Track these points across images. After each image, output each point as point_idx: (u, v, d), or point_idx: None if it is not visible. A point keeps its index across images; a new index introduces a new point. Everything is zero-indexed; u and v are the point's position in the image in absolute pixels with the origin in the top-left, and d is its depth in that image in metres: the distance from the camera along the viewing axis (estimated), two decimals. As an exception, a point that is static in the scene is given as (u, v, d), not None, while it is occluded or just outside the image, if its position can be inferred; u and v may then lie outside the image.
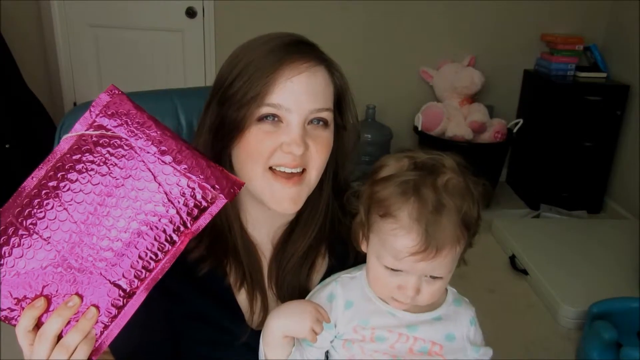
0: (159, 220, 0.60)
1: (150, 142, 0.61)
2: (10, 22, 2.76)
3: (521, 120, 3.07)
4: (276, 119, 0.74)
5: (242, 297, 0.82)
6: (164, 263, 0.60)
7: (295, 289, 0.84)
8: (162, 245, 0.60)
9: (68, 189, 0.60)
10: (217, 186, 0.61)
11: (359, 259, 0.85)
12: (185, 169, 0.60)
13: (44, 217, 0.59)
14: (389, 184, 0.72)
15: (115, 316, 0.60)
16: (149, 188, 0.60)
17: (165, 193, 0.60)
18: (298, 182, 0.76)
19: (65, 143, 0.61)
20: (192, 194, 0.61)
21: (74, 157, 0.60)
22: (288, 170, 0.75)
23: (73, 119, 0.96)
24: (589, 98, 2.96)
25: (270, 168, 0.75)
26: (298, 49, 0.75)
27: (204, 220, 0.61)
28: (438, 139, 2.97)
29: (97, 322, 0.60)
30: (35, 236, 0.59)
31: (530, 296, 2.37)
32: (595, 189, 3.15)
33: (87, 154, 0.60)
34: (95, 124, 0.61)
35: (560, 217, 3.06)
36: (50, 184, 0.60)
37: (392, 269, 0.72)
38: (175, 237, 0.60)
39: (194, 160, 0.61)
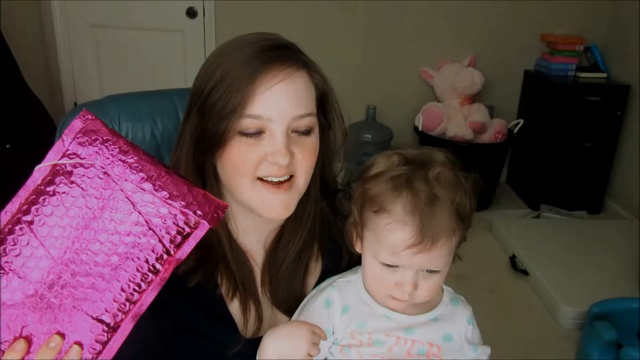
0: (141, 250, 0.57)
1: (128, 170, 0.58)
2: (11, 22, 2.76)
3: (521, 121, 3.07)
4: (258, 130, 0.72)
5: (234, 308, 0.81)
6: (148, 293, 0.58)
7: (290, 294, 0.83)
8: (145, 276, 0.58)
9: (44, 223, 0.57)
10: (199, 212, 0.58)
11: (353, 260, 0.85)
12: (165, 196, 0.58)
13: (19, 254, 0.56)
14: (381, 180, 0.72)
15: (100, 352, 0.58)
16: (129, 218, 0.57)
17: (146, 222, 0.57)
18: (287, 188, 0.75)
19: (38, 174, 0.58)
20: (174, 221, 0.58)
21: (48, 189, 0.57)
22: (275, 180, 0.74)
23: (73, 119, 0.96)
24: (589, 98, 2.95)
25: (258, 178, 0.75)
26: (275, 55, 0.73)
27: (188, 247, 0.59)
28: (438, 139, 2.96)
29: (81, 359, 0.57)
30: (11, 274, 0.56)
31: (531, 296, 2.37)
32: (595, 189, 3.15)
33: (62, 185, 0.57)
34: (69, 152, 0.58)
35: (560, 218, 3.06)
36: (25, 218, 0.57)
37: (388, 266, 0.72)
38: (158, 266, 0.58)
39: (175, 186, 0.58)
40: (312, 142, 0.77)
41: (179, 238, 0.58)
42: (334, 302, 0.77)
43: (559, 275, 2.37)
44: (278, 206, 0.75)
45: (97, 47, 3.29)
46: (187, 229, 0.58)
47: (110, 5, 3.17)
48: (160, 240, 0.57)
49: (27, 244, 0.56)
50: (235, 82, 0.71)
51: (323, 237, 0.87)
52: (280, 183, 0.74)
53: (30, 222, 0.57)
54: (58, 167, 0.58)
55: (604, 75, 3.08)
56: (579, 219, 3.06)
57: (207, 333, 0.79)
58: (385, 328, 0.75)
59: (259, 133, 0.73)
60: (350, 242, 0.79)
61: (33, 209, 0.57)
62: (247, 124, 0.72)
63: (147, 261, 0.57)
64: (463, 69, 3.13)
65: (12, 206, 0.57)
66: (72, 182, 0.57)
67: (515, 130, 3.06)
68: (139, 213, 0.57)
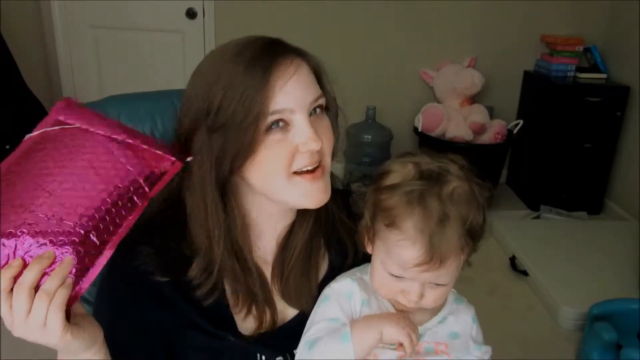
0: (122, 185, 0.65)
1: (105, 127, 0.67)
2: (10, 22, 2.76)
3: (521, 121, 3.07)
4: (282, 123, 0.73)
5: (248, 324, 0.81)
6: (129, 222, 0.66)
7: (301, 287, 0.84)
8: (127, 206, 0.66)
9: (36, 169, 0.65)
10: (168, 155, 0.68)
11: (358, 257, 0.86)
12: (139, 142, 0.67)
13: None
14: (395, 193, 0.72)
15: (87, 266, 0.63)
16: (110, 160, 0.66)
17: (124, 164, 0.66)
18: (322, 174, 0.77)
19: (29, 140, 0.68)
20: (147, 163, 0.67)
21: (39, 146, 0.67)
22: (310, 168, 0.75)
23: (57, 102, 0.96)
24: (588, 99, 2.96)
25: (294, 172, 0.75)
26: (277, 51, 0.74)
27: (159, 186, 0.68)
28: (438, 140, 2.97)
29: (71, 271, 0.62)
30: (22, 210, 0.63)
31: (531, 297, 2.38)
32: (595, 190, 3.15)
33: (50, 143, 0.66)
34: (54, 121, 0.68)
35: (560, 218, 3.06)
36: (19, 169, 0.65)
37: (396, 276, 0.73)
38: (136, 200, 0.66)
39: (144, 137, 0.69)
40: (327, 120, 0.79)
41: (153, 178, 0.67)
42: (354, 294, 0.78)
43: (559, 276, 2.37)
44: (319, 193, 0.77)
45: (97, 48, 3.29)
46: (158, 171, 0.68)
47: (110, 6, 3.17)
48: (136, 179, 0.66)
49: (24, 186, 0.64)
50: (249, 86, 0.71)
51: (327, 227, 0.88)
52: (314, 170, 0.75)
53: (26, 171, 0.65)
54: (46, 134, 0.67)
55: (604, 76, 3.09)
56: (578, 219, 3.07)
57: (213, 333, 0.79)
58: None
59: (284, 126, 0.73)
60: (361, 242, 0.80)
61: (27, 161, 0.66)
62: (271, 120, 0.72)
63: (127, 194, 0.65)
64: (463, 70, 3.13)
65: (6, 163, 0.67)
66: (59, 141, 0.66)
67: (515, 131, 3.06)
68: (117, 158, 0.66)
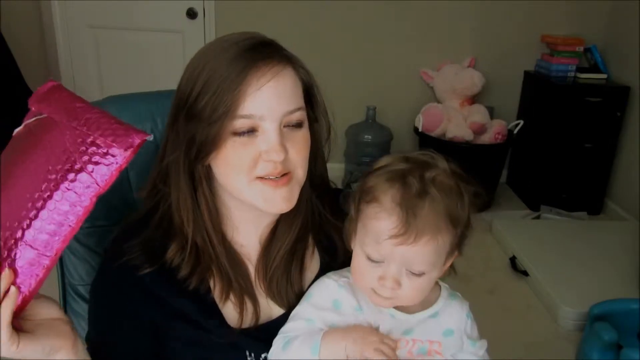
0: (57, 172, 0.62)
1: (67, 115, 0.64)
2: (11, 22, 2.76)
3: (521, 122, 3.07)
4: (251, 129, 0.73)
5: (228, 309, 0.81)
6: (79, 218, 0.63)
7: (287, 286, 0.84)
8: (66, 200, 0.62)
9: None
10: (110, 140, 0.63)
11: (349, 256, 0.84)
12: (85, 129, 0.63)
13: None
14: (379, 173, 0.73)
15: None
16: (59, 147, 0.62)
17: (68, 149, 0.62)
18: (287, 182, 0.76)
19: (16, 135, 0.68)
20: (86, 147, 0.62)
21: (15, 142, 0.67)
22: (272, 177, 0.75)
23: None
24: (589, 99, 2.96)
25: (257, 177, 0.75)
26: (260, 54, 0.73)
27: (109, 177, 0.62)
28: (438, 140, 2.97)
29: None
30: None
31: (531, 297, 2.37)
32: (595, 190, 3.15)
33: (22, 138, 0.66)
34: (34, 113, 0.68)
35: (560, 219, 3.06)
36: None
37: (373, 261, 0.72)
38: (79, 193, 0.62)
39: (101, 123, 0.64)
40: (303, 135, 0.77)
41: (93, 161, 0.62)
42: (342, 302, 0.77)
43: (559, 276, 2.37)
44: (279, 201, 0.76)
45: (97, 48, 3.30)
46: (98, 157, 0.62)
47: (111, 6, 3.17)
48: (83, 170, 0.61)
49: None
50: (224, 84, 0.71)
51: (316, 229, 0.88)
52: (278, 179, 0.75)
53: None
54: (26, 127, 0.67)
55: (604, 76, 3.09)
56: (579, 219, 3.07)
57: (200, 324, 0.79)
58: (390, 327, 0.75)
59: (252, 132, 0.73)
60: (347, 239, 0.80)
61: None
62: (239, 124, 0.72)
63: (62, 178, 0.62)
64: (463, 70, 3.13)
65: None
66: (30, 133, 0.65)
67: (515, 131, 3.06)
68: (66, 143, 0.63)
